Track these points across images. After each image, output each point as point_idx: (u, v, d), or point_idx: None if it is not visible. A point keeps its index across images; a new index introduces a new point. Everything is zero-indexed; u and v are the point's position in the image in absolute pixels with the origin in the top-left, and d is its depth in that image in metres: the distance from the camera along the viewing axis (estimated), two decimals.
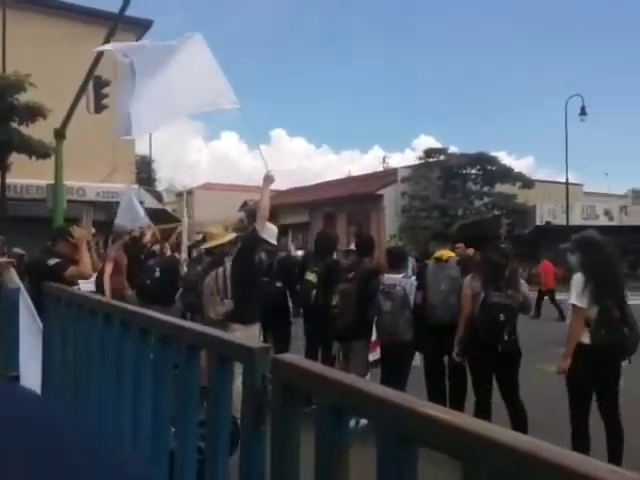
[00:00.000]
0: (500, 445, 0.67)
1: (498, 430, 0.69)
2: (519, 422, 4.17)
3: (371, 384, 0.92)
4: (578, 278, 3.83)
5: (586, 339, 3.77)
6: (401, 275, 5.03)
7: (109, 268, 6.76)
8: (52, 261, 4.67)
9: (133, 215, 8.99)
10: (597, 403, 3.89)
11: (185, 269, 6.71)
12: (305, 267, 5.60)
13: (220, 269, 4.66)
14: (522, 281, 4.61)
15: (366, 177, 31.50)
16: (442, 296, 4.85)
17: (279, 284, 5.79)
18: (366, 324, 5.02)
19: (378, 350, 5.03)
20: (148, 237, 7.42)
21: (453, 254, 5.16)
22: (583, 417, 3.84)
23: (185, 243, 6.56)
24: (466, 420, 0.72)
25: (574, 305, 3.81)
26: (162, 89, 4.59)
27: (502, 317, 4.16)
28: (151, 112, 4.57)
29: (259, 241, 4.65)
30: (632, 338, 3.80)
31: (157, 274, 6.35)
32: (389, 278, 4.97)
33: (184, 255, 7.30)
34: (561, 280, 13.06)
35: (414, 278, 5.15)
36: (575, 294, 3.80)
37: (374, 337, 5.03)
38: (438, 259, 5.03)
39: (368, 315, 5.02)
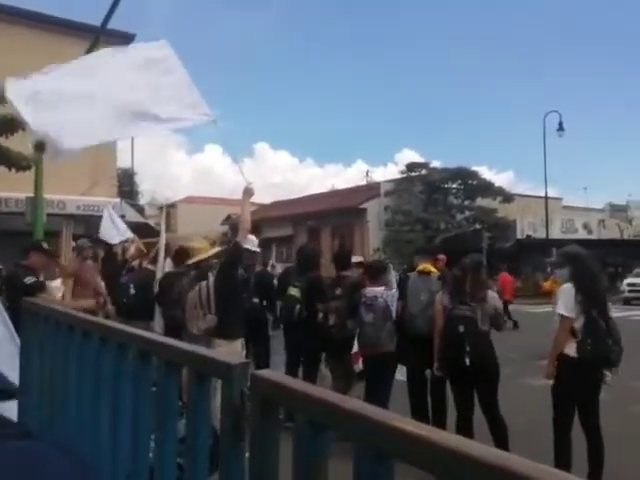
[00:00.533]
0: (473, 460, 0.68)
1: (471, 445, 0.70)
2: (500, 437, 4.20)
3: (348, 399, 0.92)
4: (567, 289, 3.90)
5: (572, 351, 3.82)
6: (382, 287, 5.08)
7: (69, 284, 6.46)
8: (29, 280, 4.65)
9: (115, 230, 8.93)
10: (579, 416, 3.93)
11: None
12: (287, 282, 5.61)
13: (203, 283, 4.64)
14: (492, 294, 4.65)
15: (349, 191, 31.71)
16: (422, 306, 4.93)
17: (256, 300, 5.80)
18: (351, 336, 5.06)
19: (361, 362, 5.07)
20: (132, 251, 7.31)
21: (434, 270, 5.25)
22: (566, 429, 3.88)
23: (162, 258, 6.43)
24: (440, 435, 0.73)
25: (562, 315, 3.87)
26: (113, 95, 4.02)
27: (461, 329, 4.20)
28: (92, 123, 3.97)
29: (242, 254, 4.65)
30: (615, 350, 3.87)
31: (132, 291, 6.20)
32: (371, 291, 5.02)
33: (159, 272, 7.14)
34: (520, 290, 13.29)
35: (395, 290, 5.21)
36: (563, 304, 3.86)
37: (355, 349, 5.06)
38: (420, 272, 5.14)
39: (351, 327, 5.06)
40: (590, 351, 3.76)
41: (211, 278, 4.63)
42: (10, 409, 2.18)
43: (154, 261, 7.17)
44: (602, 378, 3.88)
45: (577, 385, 3.80)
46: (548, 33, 79.01)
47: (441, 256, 7.10)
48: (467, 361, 4.15)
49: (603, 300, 3.98)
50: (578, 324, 3.79)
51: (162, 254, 6.31)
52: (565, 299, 3.84)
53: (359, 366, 5.05)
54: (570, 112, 50.83)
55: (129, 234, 8.71)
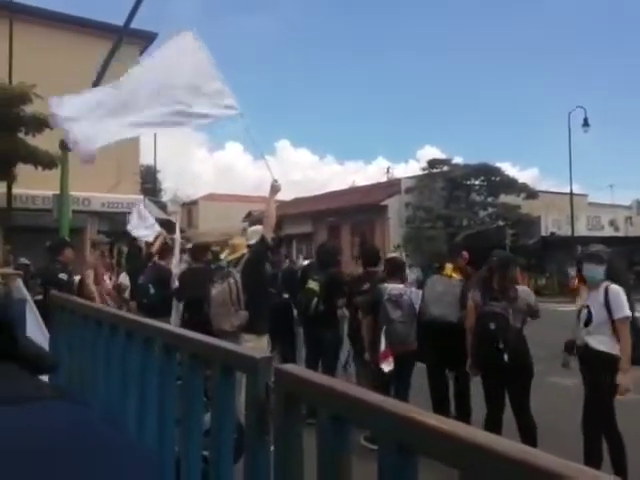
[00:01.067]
0: (497, 454, 0.68)
1: (495, 439, 0.70)
2: (528, 437, 4.13)
3: (371, 394, 0.93)
4: (617, 289, 3.85)
5: (616, 350, 3.80)
6: (402, 285, 5.06)
7: (91, 274, 6.64)
8: (63, 276, 4.90)
9: (144, 228, 9.20)
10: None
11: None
12: (307, 276, 5.68)
13: (231, 280, 4.63)
14: (523, 288, 4.59)
15: (370, 188, 31.54)
16: (437, 295, 4.93)
17: (286, 295, 5.82)
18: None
19: (391, 360, 4.99)
20: (157, 245, 7.45)
21: (456, 275, 5.22)
22: (613, 426, 3.85)
23: (177, 254, 6.49)
24: (463, 429, 0.73)
25: (627, 317, 3.83)
26: (150, 96, 4.17)
27: (492, 326, 4.14)
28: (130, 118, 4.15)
29: (268, 249, 4.71)
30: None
31: (152, 290, 6.33)
32: (394, 288, 4.99)
33: (175, 268, 7.23)
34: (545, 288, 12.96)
35: (414, 288, 5.20)
36: (624, 305, 3.83)
37: (383, 346, 5.02)
38: (442, 271, 5.12)
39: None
40: (635, 351, 3.78)
41: (236, 275, 4.65)
42: None
43: (163, 257, 7.28)
44: None
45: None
46: (574, 28, 77.50)
47: (464, 253, 7.05)
48: (505, 357, 4.10)
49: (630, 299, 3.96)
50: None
51: (177, 250, 6.37)
52: (623, 299, 3.83)
53: (389, 363, 4.99)
54: (596, 108, 49.85)
55: (157, 228, 8.93)
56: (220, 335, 4.07)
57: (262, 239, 4.61)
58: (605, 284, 3.90)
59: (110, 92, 4.22)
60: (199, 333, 1.56)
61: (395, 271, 5.19)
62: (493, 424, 4.20)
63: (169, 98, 4.17)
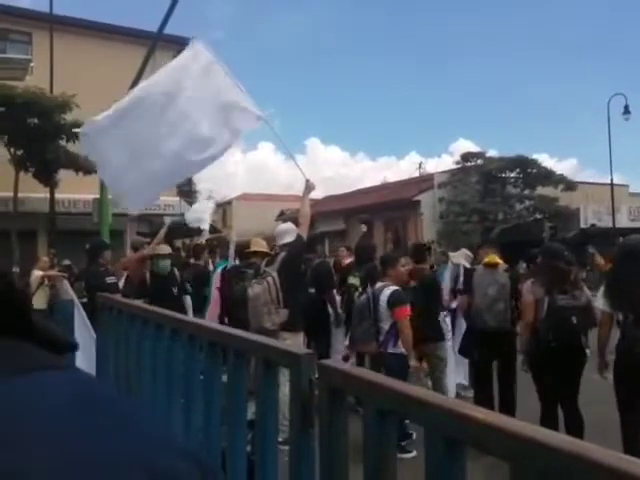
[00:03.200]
0: (546, 446, 0.68)
1: (544, 432, 0.70)
2: (575, 431, 4.02)
3: (415, 388, 0.94)
4: None
5: None
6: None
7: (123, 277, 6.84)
8: (111, 279, 5.11)
9: (199, 217, 9.66)
10: None
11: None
12: (348, 273, 6.25)
13: (269, 278, 4.65)
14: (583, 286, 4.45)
15: (402, 183, 31.32)
16: (489, 301, 4.82)
17: (312, 290, 5.93)
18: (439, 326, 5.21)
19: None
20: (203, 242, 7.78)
21: (501, 261, 5.12)
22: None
23: (232, 253, 6.61)
24: (510, 422, 0.73)
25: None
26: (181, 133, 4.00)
27: (574, 320, 4.03)
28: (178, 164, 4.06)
29: (305, 247, 4.84)
30: None
31: (190, 290, 6.52)
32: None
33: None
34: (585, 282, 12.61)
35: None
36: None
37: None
38: (487, 264, 5.00)
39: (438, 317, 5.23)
40: None
41: (273, 273, 4.68)
42: None
43: (198, 257, 7.47)
44: None
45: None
46: (612, 14, 74.86)
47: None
48: (588, 352, 4.05)
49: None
50: None
51: (232, 249, 6.46)
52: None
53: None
54: (637, 94, 47.80)
55: (206, 225, 9.32)
56: (261, 333, 4.10)
57: (299, 238, 4.66)
58: None
59: (135, 127, 4.05)
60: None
61: (422, 257, 5.55)
62: (551, 422, 4.03)
63: (207, 125, 4.07)
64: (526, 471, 0.71)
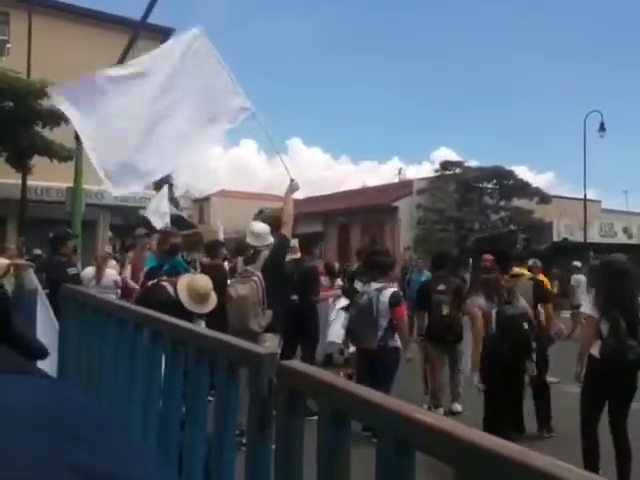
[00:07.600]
0: (490, 453, 0.70)
1: (488, 438, 0.72)
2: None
3: (371, 391, 0.95)
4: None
5: None
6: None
7: (128, 273, 6.78)
8: (72, 270, 4.99)
9: (159, 212, 9.22)
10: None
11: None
12: (353, 278, 6.65)
13: (255, 279, 4.52)
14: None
15: (381, 188, 31.48)
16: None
17: (294, 297, 5.83)
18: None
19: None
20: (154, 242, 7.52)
21: (527, 273, 5.59)
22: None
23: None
24: (458, 427, 0.75)
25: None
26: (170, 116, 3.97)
27: (525, 325, 4.31)
28: (168, 147, 4.00)
29: (288, 247, 4.84)
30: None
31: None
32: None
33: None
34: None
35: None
36: None
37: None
38: (514, 275, 5.24)
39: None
40: None
41: (257, 272, 4.58)
42: None
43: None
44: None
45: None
46: (592, 30, 76.69)
47: (487, 256, 6.98)
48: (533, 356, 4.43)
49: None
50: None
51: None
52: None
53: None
54: (613, 113, 49.17)
55: (167, 220, 8.93)
56: (245, 335, 3.88)
57: (283, 238, 4.60)
58: None
59: (124, 105, 3.95)
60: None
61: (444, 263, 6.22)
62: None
63: (195, 115, 4.05)
64: (469, 476, 0.73)
